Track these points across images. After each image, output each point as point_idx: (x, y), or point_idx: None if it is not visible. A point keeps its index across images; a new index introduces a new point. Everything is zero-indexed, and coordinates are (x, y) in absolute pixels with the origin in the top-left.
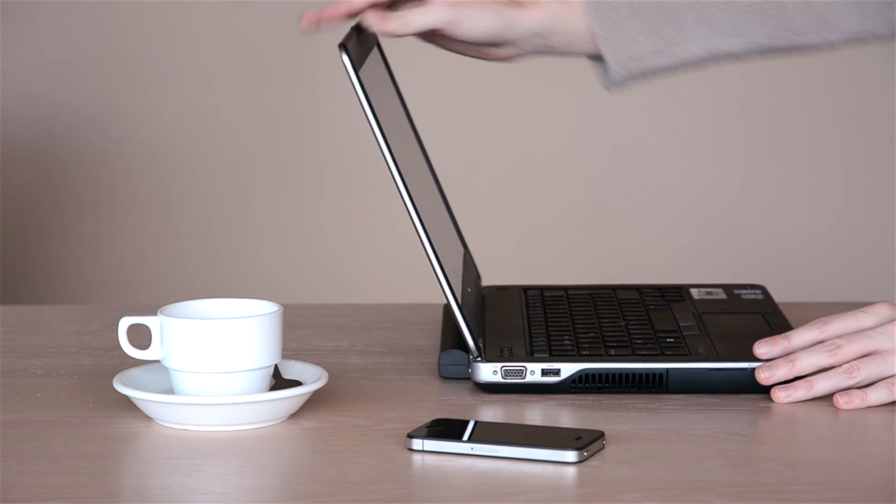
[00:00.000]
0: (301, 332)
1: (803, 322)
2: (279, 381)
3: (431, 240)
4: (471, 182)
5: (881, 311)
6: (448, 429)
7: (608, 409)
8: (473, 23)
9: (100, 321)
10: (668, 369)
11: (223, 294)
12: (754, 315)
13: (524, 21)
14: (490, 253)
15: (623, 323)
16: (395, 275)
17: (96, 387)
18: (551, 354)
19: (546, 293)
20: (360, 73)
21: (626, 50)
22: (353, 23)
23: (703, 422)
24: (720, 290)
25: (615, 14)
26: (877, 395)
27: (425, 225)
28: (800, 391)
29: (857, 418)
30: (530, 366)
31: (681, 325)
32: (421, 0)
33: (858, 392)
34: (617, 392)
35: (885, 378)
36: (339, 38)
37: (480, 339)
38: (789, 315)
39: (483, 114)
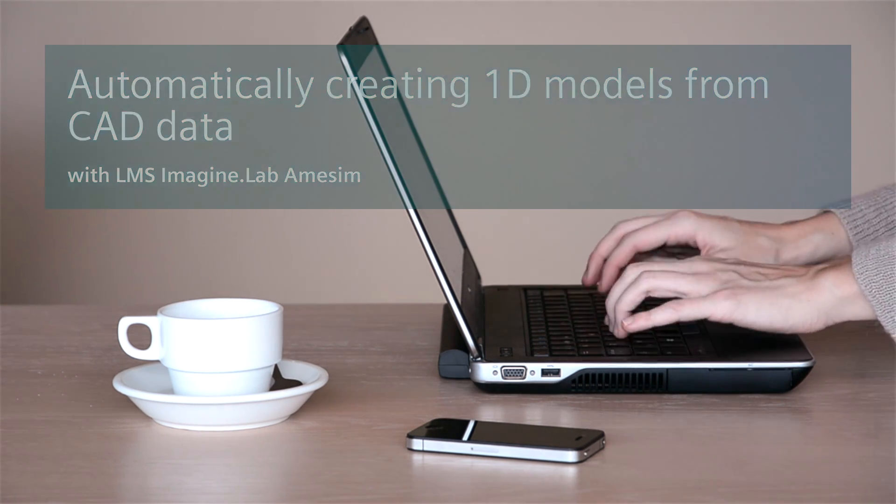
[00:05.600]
0: (301, 332)
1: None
2: (279, 381)
3: (431, 240)
4: (471, 182)
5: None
6: (448, 429)
7: (608, 409)
8: (757, 314)
9: (100, 321)
10: (668, 369)
11: (223, 294)
12: None
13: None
14: (490, 253)
15: None
16: (395, 275)
17: (96, 387)
18: (551, 354)
19: (546, 293)
20: (360, 74)
21: None
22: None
23: (703, 422)
24: None
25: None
26: (662, 315)
27: (425, 225)
28: (640, 321)
29: (858, 418)
30: (530, 366)
31: (681, 325)
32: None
33: (642, 314)
34: (617, 392)
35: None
36: (339, 39)
37: (480, 339)
38: None
39: (483, 114)
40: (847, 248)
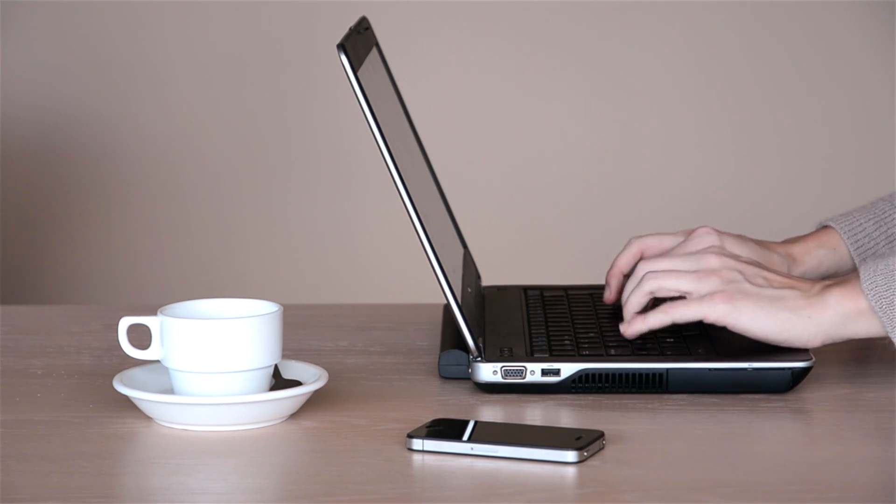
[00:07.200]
0: (301, 332)
1: None
2: (279, 381)
3: (431, 240)
4: (471, 182)
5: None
6: (448, 429)
7: (608, 409)
8: (751, 322)
9: (100, 321)
10: (668, 369)
11: (223, 294)
12: None
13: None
14: (490, 253)
15: None
16: (395, 275)
17: (96, 387)
18: (551, 354)
19: (546, 293)
20: (360, 74)
21: None
22: None
23: (703, 422)
24: None
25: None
26: (656, 319)
27: (425, 225)
28: (636, 325)
29: (858, 418)
30: (530, 366)
31: (680, 325)
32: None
33: (638, 318)
34: (617, 392)
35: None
36: (339, 39)
37: (480, 339)
38: None
39: (482, 114)
40: (848, 263)
